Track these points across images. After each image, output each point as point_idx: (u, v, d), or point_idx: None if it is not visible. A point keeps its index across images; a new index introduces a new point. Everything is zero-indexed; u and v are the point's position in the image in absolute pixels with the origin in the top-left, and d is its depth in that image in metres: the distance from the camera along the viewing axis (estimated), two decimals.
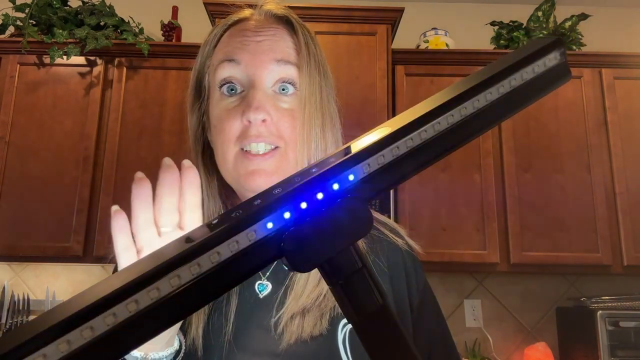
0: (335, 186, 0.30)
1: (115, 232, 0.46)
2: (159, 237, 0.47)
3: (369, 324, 0.30)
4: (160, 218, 0.47)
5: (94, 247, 2.17)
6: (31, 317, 2.43)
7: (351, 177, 0.30)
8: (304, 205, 0.29)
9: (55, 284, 2.46)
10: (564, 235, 2.22)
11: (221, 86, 0.66)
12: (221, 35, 0.69)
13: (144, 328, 0.25)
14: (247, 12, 0.70)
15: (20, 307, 2.40)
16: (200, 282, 0.26)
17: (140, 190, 0.46)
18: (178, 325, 0.54)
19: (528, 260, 2.20)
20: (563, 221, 2.23)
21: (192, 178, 0.48)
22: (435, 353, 0.72)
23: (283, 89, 0.65)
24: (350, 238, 0.30)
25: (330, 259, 0.29)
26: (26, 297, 2.42)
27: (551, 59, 0.35)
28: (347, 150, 0.31)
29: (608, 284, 2.45)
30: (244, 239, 0.28)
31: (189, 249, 0.27)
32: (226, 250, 0.27)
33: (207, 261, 0.27)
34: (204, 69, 0.70)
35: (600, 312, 2.08)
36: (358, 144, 0.31)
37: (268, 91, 0.64)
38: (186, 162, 0.48)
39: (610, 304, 2.14)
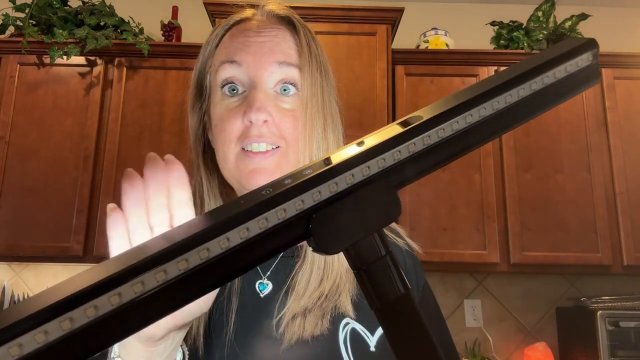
0: (366, 171, 0.30)
1: (111, 232, 0.44)
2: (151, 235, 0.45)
3: (391, 311, 0.30)
4: (151, 217, 0.45)
5: (94, 247, 2.17)
6: None
7: (382, 163, 0.30)
8: (334, 187, 0.29)
9: None
10: (564, 235, 2.22)
11: (222, 86, 0.65)
12: (223, 36, 0.69)
13: (169, 299, 0.25)
14: (248, 12, 0.70)
15: None
16: (228, 257, 0.26)
17: (132, 189, 0.44)
18: (181, 336, 0.52)
19: (528, 260, 2.20)
20: (563, 221, 2.23)
21: (178, 174, 0.45)
22: None
23: (284, 90, 0.65)
24: (379, 223, 0.30)
25: (357, 243, 0.30)
26: (26, 297, 2.42)
27: (584, 60, 0.34)
28: (378, 137, 0.32)
29: (608, 284, 2.45)
30: (274, 217, 0.28)
31: (217, 224, 0.27)
32: (255, 226, 0.27)
33: (236, 236, 0.27)
34: (205, 69, 0.70)
35: (600, 312, 2.07)
36: (389, 131, 0.32)
37: (269, 91, 0.64)
38: (169, 157, 0.46)
39: (610, 304, 2.14)
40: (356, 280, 0.31)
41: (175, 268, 0.25)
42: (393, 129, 0.32)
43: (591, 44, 0.35)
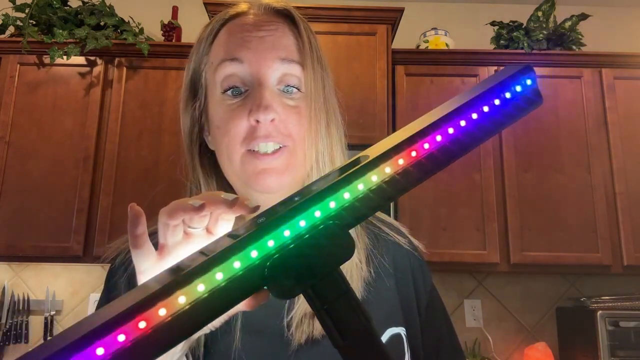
0: (318, 214, 0.30)
1: (135, 239, 0.40)
2: (185, 237, 0.42)
3: (355, 347, 0.30)
4: (192, 221, 0.41)
5: (94, 247, 2.17)
6: (31, 317, 2.43)
7: (332, 205, 0.31)
8: (287, 232, 0.30)
9: (55, 284, 2.46)
10: (564, 235, 2.22)
11: (224, 90, 0.63)
12: (218, 31, 0.66)
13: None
14: (244, 6, 0.67)
15: (20, 307, 2.40)
16: (180, 316, 0.27)
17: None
18: (187, 345, 0.51)
19: (528, 260, 2.20)
20: (563, 221, 2.23)
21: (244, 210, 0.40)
22: (443, 354, 0.72)
23: (287, 90, 0.63)
24: (333, 264, 0.31)
25: (314, 284, 0.30)
26: (26, 297, 2.42)
27: (523, 85, 0.35)
28: (330, 176, 0.32)
29: (608, 284, 2.45)
30: (230, 269, 0.28)
31: (170, 283, 0.27)
32: (212, 280, 0.28)
33: (195, 292, 0.27)
34: (200, 67, 0.67)
35: (600, 312, 2.07)
36: (338, 172, 0.32)
37: (274, 89, 0.62)
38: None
39: (610, 304, 2.14)
40: (318, 321, 0.31)
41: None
42: (342, 170, 0.32)
43: (528, 69, 0.36)
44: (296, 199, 0.31)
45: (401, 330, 0.66)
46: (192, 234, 0.42)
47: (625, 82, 2.38)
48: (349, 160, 0.33)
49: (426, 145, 0.33)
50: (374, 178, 0.32)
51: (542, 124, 2.33)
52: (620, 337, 2.05)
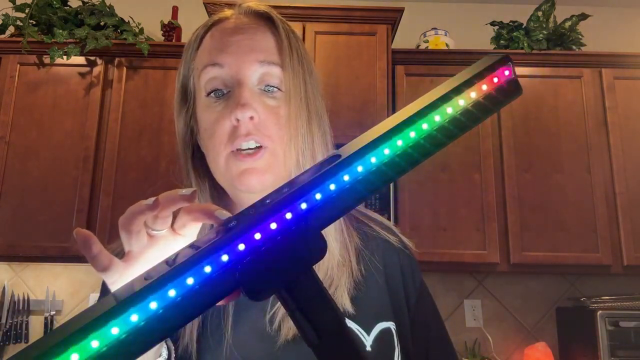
0: (288, 215, 0.30)
1: (92, 257, 0.40)
2: (150, 240, 0.42)
3: (329, 346, 0.30)
4: (154, 223, 0.41)
5: None
6: (31, 317, 2.43)
7: (303, 206, 0.31)
8: (257, 236, 0.30)
9: (55, 284, 2.46)
10: (564, 235, 2.22)
11: (208, 93, 0.65)
12: (202, 37, 0.69)
13: None
14: (227, 12, 0.70)
15: (20, 307, 2.40)
16: (159, 317, 0.27)
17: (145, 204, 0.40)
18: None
19: (528, 260, 2.20)
20: (563, 221, 2.23)
21: (211, 216, 0.38)
22: (433, 349, 0.73)
23: (268, 89, 0.64)
24: (304, 266, 0.31)
25: (287, 286, 0.30)
26: (26, 297, 2.42)
27: (500, 76, 0.35)
28: (302, 178, 0.32)
29: (608, 284, 2.45)
30: (200, 273, 0.28)
31: (145, 287, 0.27)
32: (183, 285, 0.28)
33: (165, 296, 0.28)
34: (188, 72, 0.70)
35: (600, 312, 2.08)
36: (310, 173, 0.32)
37: (254, 89, 0.64)
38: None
39: (610, 304, 2.14)
40: (292, 321, 0.31)
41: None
42: (315, 170, 0.32)
43: (506, 59, 0.35)
44: (267, 201, 0.31)
45: (391, 325, 0.67)
46: (157, 236, 0.41)
47: (625, 82, 2.38)
48: (323, 159, 0.33)
49: (399, 143, 0.32)
50: (345, 177, 0.32)
51: (542, 124, 2.33)
52: (620, 337, 2.05)
